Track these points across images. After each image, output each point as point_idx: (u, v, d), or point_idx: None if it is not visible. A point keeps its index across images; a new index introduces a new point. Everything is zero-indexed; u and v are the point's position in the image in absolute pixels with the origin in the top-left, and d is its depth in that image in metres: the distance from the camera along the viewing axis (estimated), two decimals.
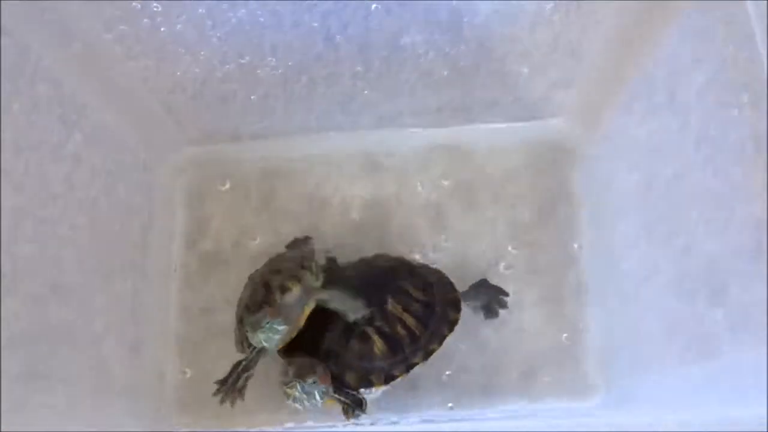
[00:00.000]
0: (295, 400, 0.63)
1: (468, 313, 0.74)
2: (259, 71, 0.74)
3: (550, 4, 0.69)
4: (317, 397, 0.64)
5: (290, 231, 0.81)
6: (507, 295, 0.76)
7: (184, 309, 0.79)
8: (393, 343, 0.67)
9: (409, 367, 0.67)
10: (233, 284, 0.76)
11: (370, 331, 0.67)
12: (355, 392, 0.67)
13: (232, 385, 0.67)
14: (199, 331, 0.78)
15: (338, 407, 0.67)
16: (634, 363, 0.70)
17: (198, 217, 0.83)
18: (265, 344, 0.63)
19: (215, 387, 0.68)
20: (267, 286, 0.65)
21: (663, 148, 0.68)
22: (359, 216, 0.82)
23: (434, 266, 0.76)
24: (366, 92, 0.78)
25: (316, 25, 0.69)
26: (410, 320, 0.68)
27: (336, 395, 0.67)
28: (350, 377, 0.66)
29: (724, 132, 0.57)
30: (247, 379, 0.67)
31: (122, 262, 0.74)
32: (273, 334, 0.62)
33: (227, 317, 0.72)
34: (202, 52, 0.70)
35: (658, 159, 0.69)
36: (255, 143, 0.84)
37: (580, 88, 0.80)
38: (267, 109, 0.80)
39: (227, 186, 0.84)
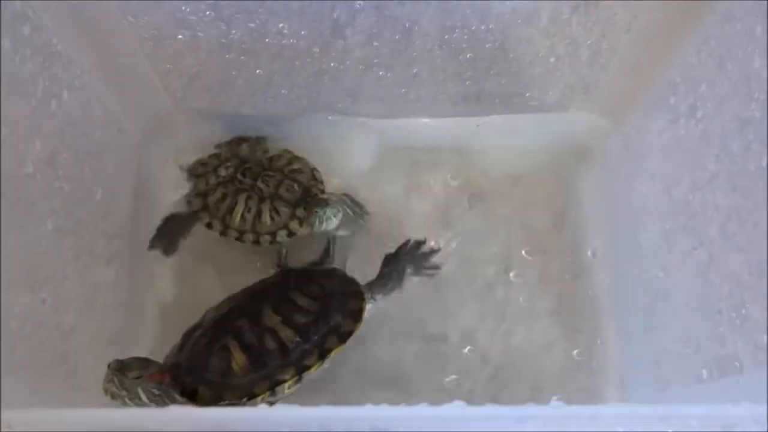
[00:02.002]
0: (113, 396, 0.58)
1: (461, 301, 0.73)
2: (264, 51, 0.70)
3: (567, 6, 0.67)
4: (142, 395, 0.58)
5: None
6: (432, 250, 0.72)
7: (164, 303, 0.74)
8: (256, 359, 0.62)
9: (275, 384, 0.61)
10: (220, 279, 0.73)
11: (231, 345, 0.62)
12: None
13: (167, 236, 0.73)
14: (179, 328, 0.71)
15: None
16: (652, 382, 0.66)
17: None
18: (324, 222, 0.67)
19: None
20: (296, 182, 0.71)
21: (683, 157, 0.66)
22: None
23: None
24: (377, 77, 0.74)
25: (325, 12, 0.66)
26: (286, 332, 0.63)
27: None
28: (204, 393, 0.61)
29: (744, 146, 0.56)
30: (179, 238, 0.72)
31: (104, 250, 0.69)
32: (333, 216, 0.68)
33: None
34: (208, 17, 0.66)
35: (678, 168, 0.67)
36: (257, 127, 0.79)
37: (599, 92, 0.77)
38: (270, 91, 0.75)
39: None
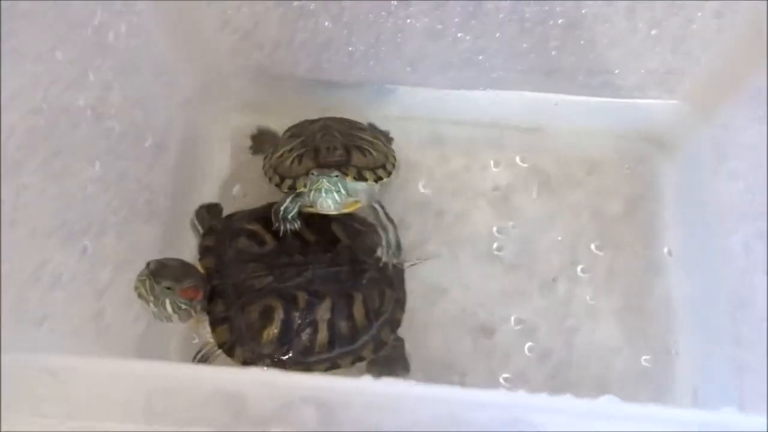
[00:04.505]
0: (140, 296, 0.55)
1: (523, 293, 0.68)
2: (324, 11, 0.66)
3: None
4: (168, 307, 0.55)
5: None
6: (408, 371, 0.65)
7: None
8: (284, 340, 0.57)
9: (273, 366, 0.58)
10: None
11: (276, 313, 0.57)
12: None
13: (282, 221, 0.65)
14: None
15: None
16: (729, 401, 0.61)
17: (237, 167, 0.74)
18: (322, 194, 0.61)
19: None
20: (347, 152, 0.65)
21: None
22: (418, 188, 0.74)
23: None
24: (443, 45, 0.69)
25: None
26: (323, 337, 0.58)
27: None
28: (220, 331, 0.57)
29: None
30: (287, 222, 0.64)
31: (145, 206, 0.66)
32: (333, 187, 0.61)
33: None
34: None
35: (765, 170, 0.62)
36: (310, 92, 0.75)
37: (684, 81, 0.73)
38: (327, 54, 0.72)
39: None
